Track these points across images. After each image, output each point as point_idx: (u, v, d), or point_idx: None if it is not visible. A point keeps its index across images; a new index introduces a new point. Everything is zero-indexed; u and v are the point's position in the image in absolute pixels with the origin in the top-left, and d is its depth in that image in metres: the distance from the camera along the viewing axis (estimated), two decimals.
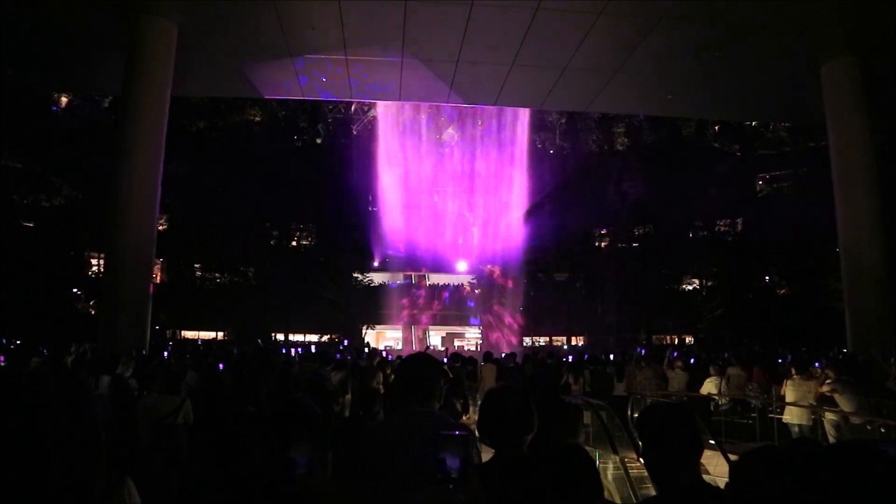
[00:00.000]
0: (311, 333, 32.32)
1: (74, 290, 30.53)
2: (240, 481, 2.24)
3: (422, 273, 36.95)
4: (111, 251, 14.13)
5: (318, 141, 37.36)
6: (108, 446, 2.25)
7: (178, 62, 14.44)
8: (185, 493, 2.33)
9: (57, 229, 28.26)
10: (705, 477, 1.98)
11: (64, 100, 32.28)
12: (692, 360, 14.17)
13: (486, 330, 34.71)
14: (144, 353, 12.06)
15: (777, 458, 1.65)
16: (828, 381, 8.64)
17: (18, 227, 28.02)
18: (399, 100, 23.26)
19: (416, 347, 31.24)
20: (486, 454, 2.48)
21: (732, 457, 5.60)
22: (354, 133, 37.70)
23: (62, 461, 1.26)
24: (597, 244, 38.11)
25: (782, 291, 34.29)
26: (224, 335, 31.51)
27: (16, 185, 29.26)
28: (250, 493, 2.19)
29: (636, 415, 9.96)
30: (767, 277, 35.02)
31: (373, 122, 37.77)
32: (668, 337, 35.17)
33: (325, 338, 31.33)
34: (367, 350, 17.98)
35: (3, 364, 10.21)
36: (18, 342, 16.26)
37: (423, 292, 35.96)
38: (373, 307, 33.05)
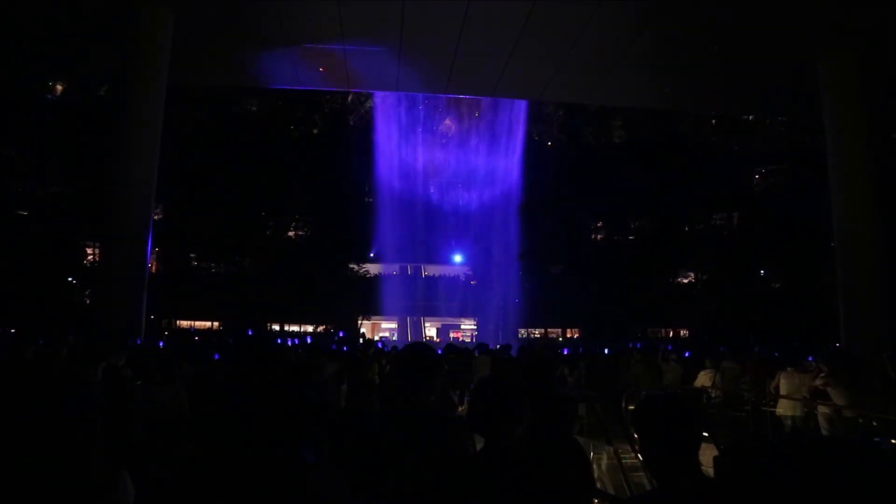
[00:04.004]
0: (306, 324, 32.31)
1: (69, 279, 30.42)
2: (238, 473, 2.23)
3: (418, 264, 36.95)
4: (107, 240, 14.09)
5: (315, 131, 37.19)
6: (103, 437, 2.24)
7: (175, 51, 14.34)
8: (181, 484, 2.33)
9: (52, 218, 28.10)
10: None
11: (59, 88, 32.00)
12: (686, 354, 14.25)
13: (482, 321, 34.78)
14: (139, 342, 12.04)
15: (758, 451, 1.65)
16: (821, 374, 8.67)
17: (12, 216, 27.86)
18: (396, 90, 23.18)
19: (411, 339, 31.28)
20: (479, 443, 2.48)
21: None
22: (351, 124, 37.55)
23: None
24: (593, 237, 38.12)
25: (777, 285, 34.40)
26: (219, 325, 31.47)
27: (10, 174, 29.05)
28: (249, 485, 2.19)
29: (630, 407, 10.01)
30: (763, 271, 35.12)
31: (370, 113, 37.62)
32: (663, 330, 35.30)
33: (320, 328, 31.34)
34: (361, 341, 17.99)
35: None
36: (13, 331, 16.20)
37: (418, 284, 35.97)
38: (368, 298, 33.04)
